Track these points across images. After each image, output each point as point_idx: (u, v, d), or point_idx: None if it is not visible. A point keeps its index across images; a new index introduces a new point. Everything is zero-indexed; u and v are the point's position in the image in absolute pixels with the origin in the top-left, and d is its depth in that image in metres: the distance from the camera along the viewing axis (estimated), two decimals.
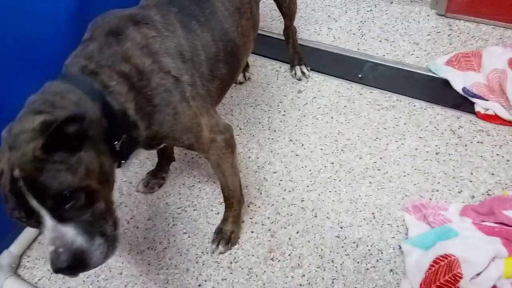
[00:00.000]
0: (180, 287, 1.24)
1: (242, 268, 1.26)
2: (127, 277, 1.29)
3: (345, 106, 1.66)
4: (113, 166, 0.90)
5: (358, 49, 1.89)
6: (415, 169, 1.40)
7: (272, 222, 1.35)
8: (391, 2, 2.08)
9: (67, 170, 0.75)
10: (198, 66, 1.05)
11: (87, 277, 1.30)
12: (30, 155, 0.74)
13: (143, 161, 1.61)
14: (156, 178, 1.51)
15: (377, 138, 1.53)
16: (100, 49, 0.92)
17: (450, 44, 1.81)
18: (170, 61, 0.98)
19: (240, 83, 1.83)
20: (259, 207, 1.40)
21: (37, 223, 0.76)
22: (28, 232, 1.40)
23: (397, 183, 1.38)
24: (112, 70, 0.91)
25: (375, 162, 1.46)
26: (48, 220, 0.74)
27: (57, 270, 0.74)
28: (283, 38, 1.81)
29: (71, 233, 0.75)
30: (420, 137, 1.49)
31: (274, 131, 1.62)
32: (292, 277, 1.21)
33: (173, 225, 1.40)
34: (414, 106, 1.61)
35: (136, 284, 1.27)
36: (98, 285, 1.28)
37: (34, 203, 0.73)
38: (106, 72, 0.90)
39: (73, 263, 0.74)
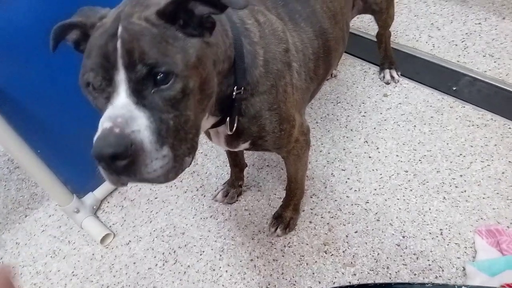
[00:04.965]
0: (233, 258, 1.30)
1: (294, 254, 1.28)
2: (188, 238, 1.38)
3: (431, 117, 1.58)
4: (215, 88, 0.75)
5: (458, 61, 1.78)
6: (498, 193, 1.29)
7: (332, 217, 1.35)
8: (503, 18, 1.91)
9: (176, 47, 0.62)
10: (307, 60, 1.03)
11: (154, 230, 1.43)
12: (142, 16, 0.63)
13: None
14: (234, 187, 1.46)
15: (461, 154, 1.44)
16: None
17: None
18: (291, 43, 0.97)
19: (326, 79, 1.83)
20: (321, 200, 1.40)
21: (106, 99, 0.61)
22: None
23: (474, 204, 1.29)
24: (250, 12, 0.89)
25: (453, 179, 1.37)
26: (122, 95, 0.59)
27: (98, 154, 0.55)
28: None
29: (141, 120, 0.58)
30: (509, 162, 1.37)
31: (351, 130, 1.61)
32: (343, 274, 1.20)
33: (237, 200, 1.46)
34: (510, 128, 1.47)
35: (194, 246, 1.36)
36: (162, 239, 1.40)
37: (120, 71, 0.59)
38: (244, 11, 0.88)
39: (122, 154, 0.55)
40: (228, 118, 0.86)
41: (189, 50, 0.64)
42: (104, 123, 0.57)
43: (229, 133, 0.88)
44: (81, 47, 0.72)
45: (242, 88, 0.83)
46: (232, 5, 0.64)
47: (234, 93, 0.82)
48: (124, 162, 0.56)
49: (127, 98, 0.59)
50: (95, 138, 0.57)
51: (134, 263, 1.36)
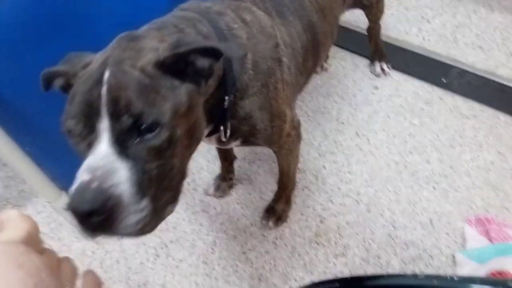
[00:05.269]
0: (226, 251, 1.30)
1: (286, 246, 1.28)
2: (180, 232, 1.38)
3: (422, 109, 1.59)
4: (204, 131, 0.75)
5: (448, 53, 1.79)
6: (487, 183, 1.31)
7: (324, 209, 1.35)
8: (493, 10, 1.93)
9: (167, 96, 0.59)
10: (296, 54, 1.02)
11: None
12: (137, 65, 0.60)
13: None
14: (225, 180, 1.46)
15: (451, 145, 1.45)
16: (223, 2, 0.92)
17: None
18: (279, 38, 0.96)
19: (316, 73, 1.83)
20: (313, 192, 1.41)
21: (87, 146, 0.57)
22: None
23: (463, 194, 1.30)
24: (236, 14, 0.87)
25: (443, 169, 1.38)
26: (104, 144, 0.55)
27: (73, 210, 0.52)
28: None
29: (122, 173, 0.54)
30: (499, 152, 1.38)
31: (342, 123, 1.61)
32: (334, 264, 1.21)
33: (228, 194, 1.46)
34: (499, 119, 1.49)
35: (187, 240, 1.36)
36: (153, 234, 1.37)
37: (103, 118, 0.56)
38: (230, 14, 0.86)
39: (98, 210, 0.51)
40: (221, 126, 0.84)
41: (182, 98, 0.61)
42: (82, 175, 0.53)
43: (224, 140, 0.87)
44: (68, 93, 0.70)
45: (232, 95, 0.82)
46: (231, 55, 0.65)
47: (225, 103, 0.80)
48: (99, 218, 0.52)
49: (109, 147, 0.56)
50: (72, 190, 0.53)
51: (125, 258, 1.35)
